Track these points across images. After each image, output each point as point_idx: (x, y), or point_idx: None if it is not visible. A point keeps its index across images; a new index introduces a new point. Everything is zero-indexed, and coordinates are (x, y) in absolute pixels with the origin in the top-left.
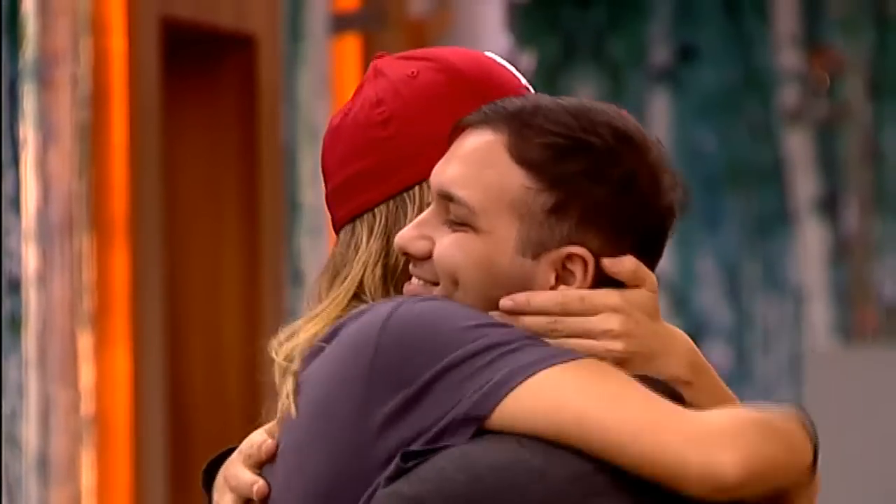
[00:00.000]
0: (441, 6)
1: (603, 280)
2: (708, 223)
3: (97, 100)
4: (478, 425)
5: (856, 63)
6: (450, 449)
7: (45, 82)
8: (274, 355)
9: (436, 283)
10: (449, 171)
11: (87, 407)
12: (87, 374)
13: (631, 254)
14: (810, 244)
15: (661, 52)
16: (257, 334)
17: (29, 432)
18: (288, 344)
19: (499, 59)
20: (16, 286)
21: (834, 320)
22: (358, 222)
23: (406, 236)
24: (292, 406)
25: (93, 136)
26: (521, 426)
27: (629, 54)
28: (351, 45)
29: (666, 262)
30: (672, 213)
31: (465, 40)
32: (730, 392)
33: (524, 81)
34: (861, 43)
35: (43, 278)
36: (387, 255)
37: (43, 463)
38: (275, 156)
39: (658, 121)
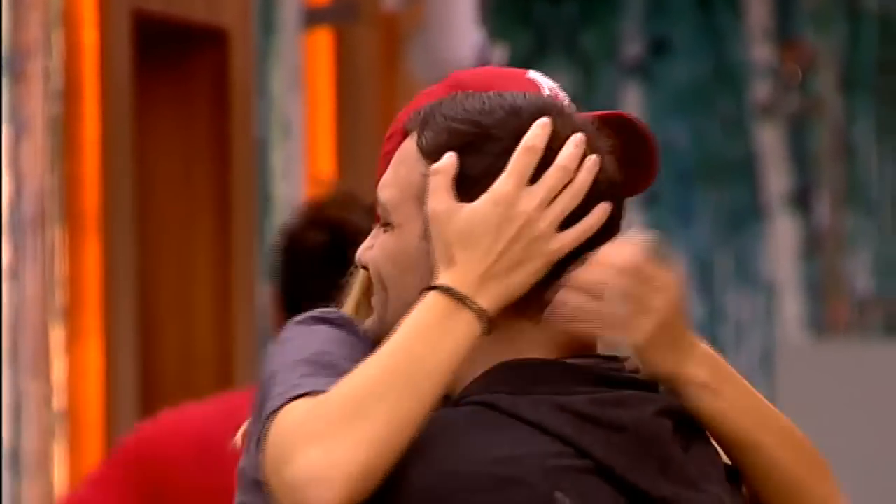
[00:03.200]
0: (413, 0)
1: None
2: (680, 217)
3: (69, 93)
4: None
5: (828, 57)
6: None
7: (16, 76)
8: None
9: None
10: (382, 178)
11: (59, 401)
12: (59, 368)
13: None
14: (782, 238)
15: (633, 46)
16: (229, 328)
17: (1, 426)
18: None
19: (534, 77)
20: None
21: (806, 314)
22: None
23: (359, 248)
24: None
25: (65, 130)
26: None
27: (601, 48)
28: (323, 39)
29: None
30: (597, 185)
31: (438, 34)
32: (760, 401)
33: (548, 94)
34: (833, 36)
35: (15, 272)
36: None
37: (15, 457)
38: (247, 149)
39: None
